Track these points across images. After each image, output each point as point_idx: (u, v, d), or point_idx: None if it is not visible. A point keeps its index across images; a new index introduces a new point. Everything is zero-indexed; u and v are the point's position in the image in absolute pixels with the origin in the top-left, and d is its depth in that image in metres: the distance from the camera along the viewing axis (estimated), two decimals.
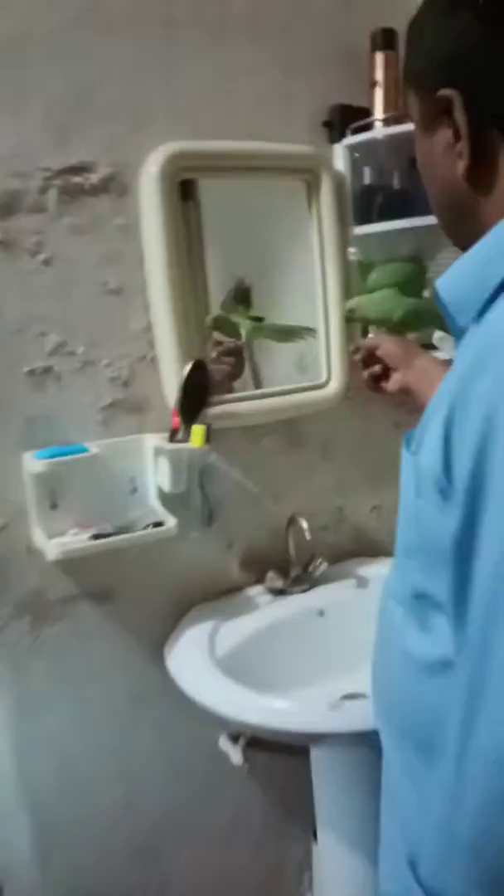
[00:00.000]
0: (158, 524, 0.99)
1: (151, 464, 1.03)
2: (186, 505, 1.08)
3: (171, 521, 1.00)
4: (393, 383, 0.92)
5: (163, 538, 1.00)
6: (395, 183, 1.20)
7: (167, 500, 1.05)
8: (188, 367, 1.00)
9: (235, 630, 1.07)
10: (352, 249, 1.17)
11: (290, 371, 1.19)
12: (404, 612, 0.57)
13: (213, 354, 1.09)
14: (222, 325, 1.03)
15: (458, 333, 0.55)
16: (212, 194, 1.05)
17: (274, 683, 1.04)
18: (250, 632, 1.06)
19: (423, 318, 0.99)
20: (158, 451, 1.02)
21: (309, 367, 1.18)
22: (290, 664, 1.09)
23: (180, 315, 1.00)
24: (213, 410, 1.05)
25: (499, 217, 0.51)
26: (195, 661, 1.00)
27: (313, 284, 1.16)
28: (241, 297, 1.05)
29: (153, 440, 1.02)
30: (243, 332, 1.03)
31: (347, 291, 1.17)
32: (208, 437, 1.00)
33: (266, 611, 1.12)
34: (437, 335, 1.17)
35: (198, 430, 1.00)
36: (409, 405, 0.94)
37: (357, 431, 1.28)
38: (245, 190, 1.10)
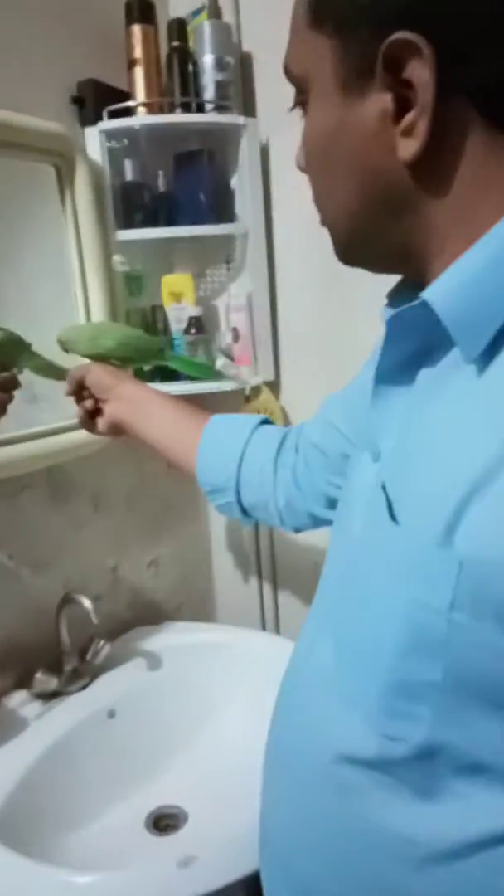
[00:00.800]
0: None
1: None
2: None
3: None
4: (104, 419, 0.77)
5: None
6: (160, 184, 1.02)
7: None
8: None
9: None
10: (118, 258, 0.96)
11: (19, 404, 0.91)
12: (384, 781, 0.38)
13: None
14: None
15: (402, 362, 0.40)
16: None
17: (64, 826, 0.78)
18: (20, 770, 0.76)
19: (142, 351, 0.84)
20: None
21: (41, 396, 0.92)
22: (83, 792, 0.82)
23: None
24: None
25: (457, 228, 0.36)
26: None
27: (64, 297, 0.92)
28: None
29: None
30: (19, 361, 0.74)
31: (112, 307, 0.96)
32: None
33: (39, 727, 0.83)
34: (221, 362, 1.02)
35: None
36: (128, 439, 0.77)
37: (130, 475, 1.08)
38: None
